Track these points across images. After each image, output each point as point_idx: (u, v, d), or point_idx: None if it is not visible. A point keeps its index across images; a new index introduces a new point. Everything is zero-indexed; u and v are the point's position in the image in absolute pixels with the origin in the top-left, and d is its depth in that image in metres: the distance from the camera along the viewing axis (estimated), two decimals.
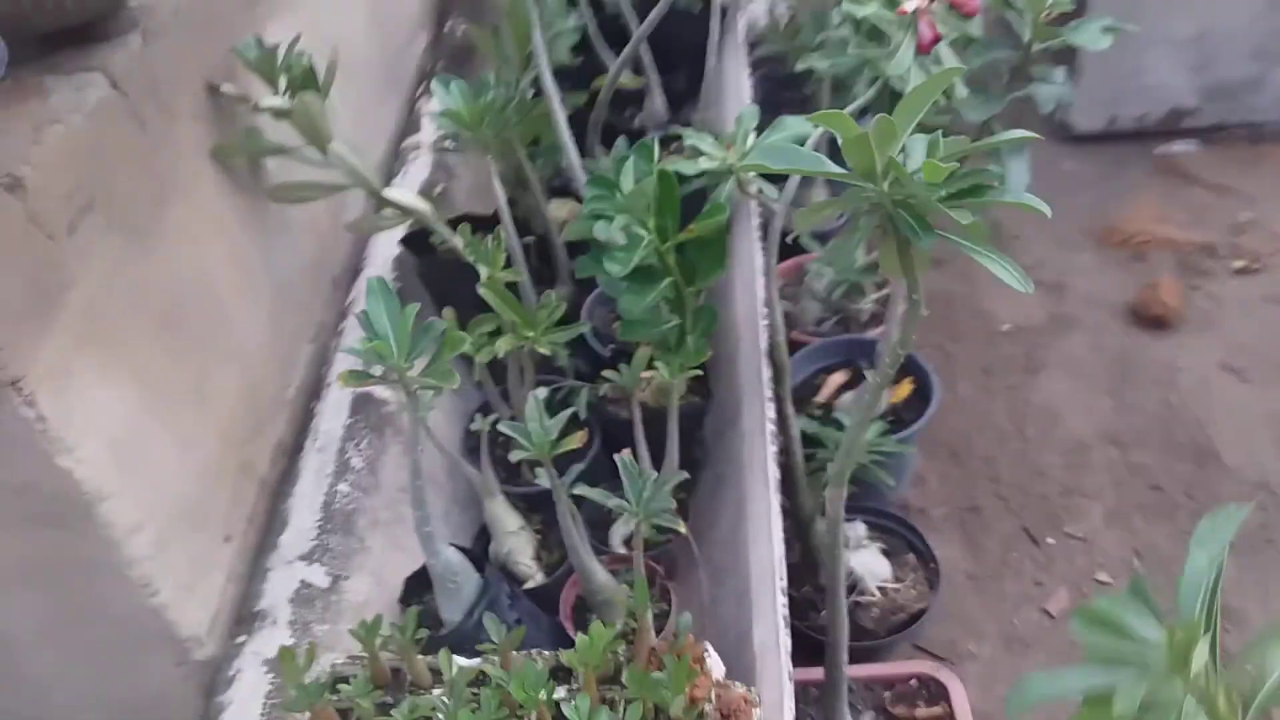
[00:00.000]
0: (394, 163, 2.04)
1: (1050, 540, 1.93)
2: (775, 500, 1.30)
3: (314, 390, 1.59)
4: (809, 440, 1.70)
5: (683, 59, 2.19)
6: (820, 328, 2.17)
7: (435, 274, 1.65)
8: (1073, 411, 2.17)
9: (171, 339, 1.28)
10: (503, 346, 1.28)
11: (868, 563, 1.75)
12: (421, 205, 1.57)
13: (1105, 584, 1.86)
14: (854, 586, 1.73)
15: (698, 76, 2.28)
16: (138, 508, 1.15)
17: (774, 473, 1.33)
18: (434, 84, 1.42)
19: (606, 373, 1.36)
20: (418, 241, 1.67)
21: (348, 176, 1.54)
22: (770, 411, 1.41)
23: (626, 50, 1.67)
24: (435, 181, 1.93)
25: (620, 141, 1.74)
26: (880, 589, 1.73)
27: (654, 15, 1.61)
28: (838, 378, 2.00)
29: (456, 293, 1.64)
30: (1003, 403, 2.19)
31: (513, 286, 1.43)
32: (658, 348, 1.36)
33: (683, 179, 1.33)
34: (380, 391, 1.56)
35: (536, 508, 1.52)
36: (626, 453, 1.05)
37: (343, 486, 1.41)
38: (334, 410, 1.53)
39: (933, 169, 0.98)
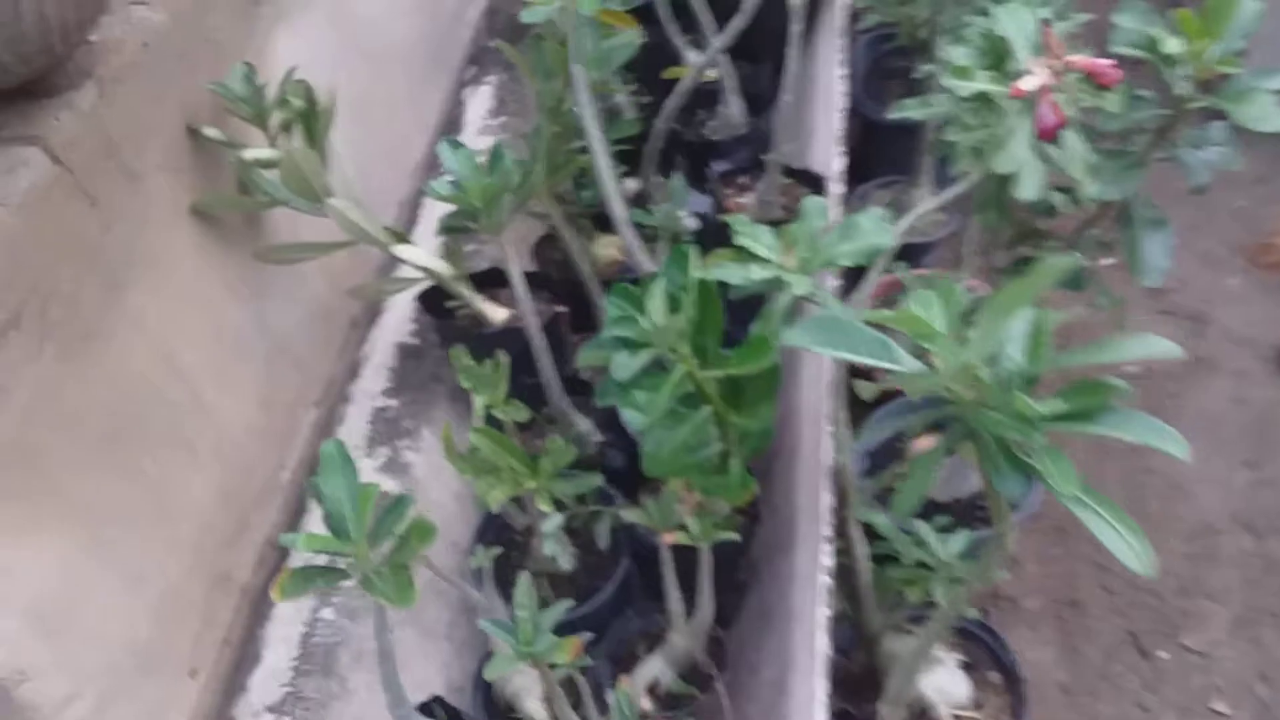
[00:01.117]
0: (431, 167, 1.84)
1: (1162, 653, 1.70)
2: (822, 684, 1.11)
3: (315, 465, 1.43)
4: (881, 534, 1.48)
5: (768, 48, 1.91)
6: None
7: (456, 336, 1.47)
8: (1202, 485, 1.90)
9: (121, 456, 1.13)
10: (497, 497, 1.09)
11: (943, 685, 1.54)
12: (438, 266, 1.38)
13: (1222, 716, 1.62)
14: (923, 713, 1.53)
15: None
16: (68, 677, 1.01)
17: (823, 647, 1.13)
18: (441, 147, 1.20)
19: (629, 512, 1.16)
20: (436, 299, 1.48)
21: (350, 232, 1.35)
22: (826, 558, 1.20)
23: (709, 52, 1.39)
24: None
25: (675, 180, 1.51)
26: (956, 718, 1.53)
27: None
28: (925, 443, 1.77)
29: (483, 355, 1.46)
30: (1119, 468, 1.93)
31: (530, 387, 1.24)
32: (694, 474, 1.16)
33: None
34: (382, 486, 1.39)
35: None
36: (625, 682, 0.86)
37: (326, 613, 1.25)
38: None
39: (1024, 406, 0.75)
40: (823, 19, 2.00)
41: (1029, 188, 1.08)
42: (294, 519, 1.37)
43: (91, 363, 1.10)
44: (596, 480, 1.18)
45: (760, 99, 1.90)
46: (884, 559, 1.40)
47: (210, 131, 1.27)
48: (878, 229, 1.09)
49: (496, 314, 1.44)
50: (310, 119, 1.30)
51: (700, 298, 1.09)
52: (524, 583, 0.97)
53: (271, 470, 1.38)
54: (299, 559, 1.25)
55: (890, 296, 1.96)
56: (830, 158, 1.69)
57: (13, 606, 0.96)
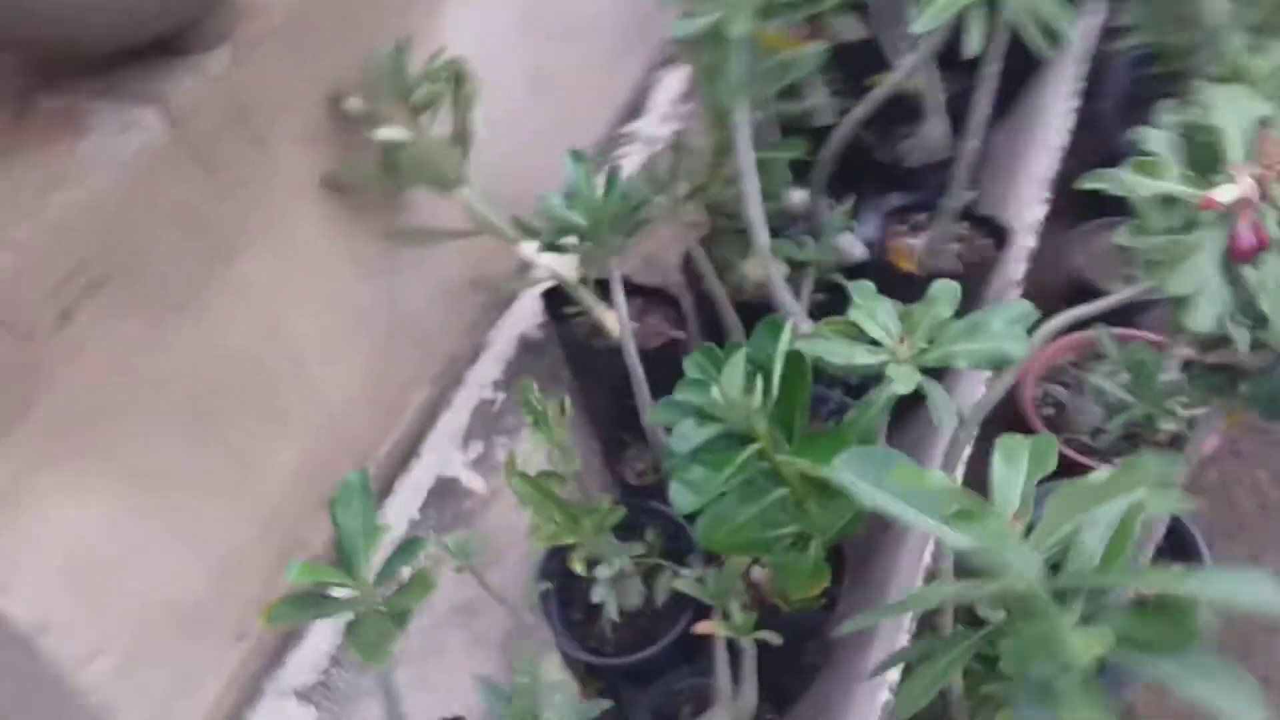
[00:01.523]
0: (607, 151, 1.78)
1: None
2: None
3: (416, 442, 1.43)
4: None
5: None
6: (1097, 440, 1.72)
7: (572, 342, 1.41)
8: None
9: (203, 424, 1.14)
10: (542, 543, 1.03)
11: None
12: (563, 270, 1.32)
13: None
14: None
15: (1011, 87, 1.80)
16: (97, 633, 1.04)
17: None
18: (565, 156, 1.13)
19: (682, 582, 1.07)
20: (558, 300, 1.42)
21: (478, 223, 1.31)
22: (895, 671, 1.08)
23: (907, 61, 1.24)
24: None
25: (836, 211, 1.38)
26: None
27: None
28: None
29: (594, 366, 1.40)
30: None
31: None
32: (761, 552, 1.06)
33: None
34: (467, 481, 1.36)
35: (603, 677, 1.29)
36: None
37: None
38: (416, 484, 1.36)
39: (1088, 646, 0.61)
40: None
41: (1205, 317, 0.90)
42: (381, 495, 1.37)
43: (184, 330, 1.12)
44: (638, 549, 1.10)
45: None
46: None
47: (352, 105, 1.25)
48: (1010, 335, 0.95)
49: (614, 324, 1.37)
50: (455, 101, 1.26)
51: (788, 374, 0.98)
52: (528, 659, 0.91)
53: (369, 445, 1.38)
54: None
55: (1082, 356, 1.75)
56: (1029, 204, 1.51)
57: (50, 560, 0.99)
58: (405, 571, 0.91)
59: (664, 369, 1.38)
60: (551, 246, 1.11)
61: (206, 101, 1.10)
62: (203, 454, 1.15)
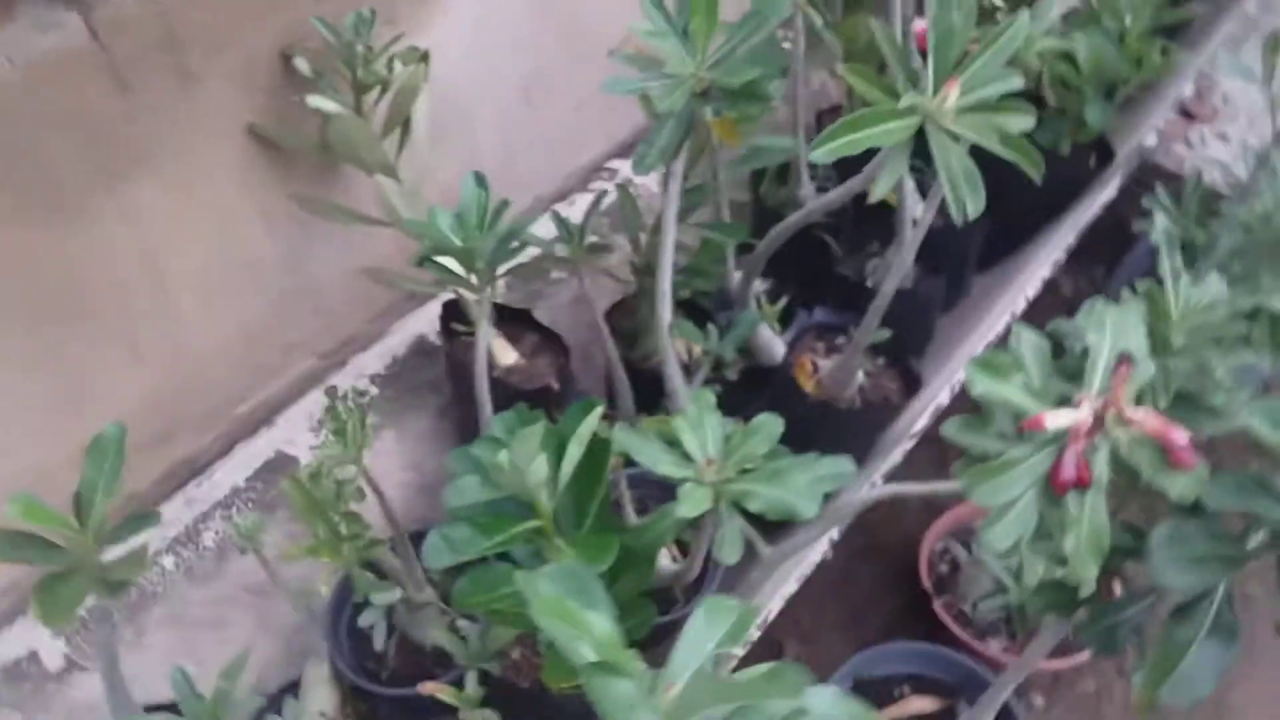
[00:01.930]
0: (585, 182, 1.75)
1: None
2: None
3: (276, 413, 1.41)
4: None
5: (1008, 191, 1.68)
6: (976, 612, 1.66)
7: (456, 359, 1.38)
8: None
9: (45, 332, 1.14)
10: (296, 554, 1.00)
11: None
12: (460, 281, 1.30)
13: None
14: None
15: (1014, 234, 1.76)
16: None
17: None
18: (466, 179, 1.11)
19: (444, 635, 1.03)
20: (457, 313, 1.40)
21: (387, 214, 1.29)
22: None
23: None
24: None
25: (748, 313, 1.35)
26: None
27: None
28: (918, 704, 1.52)
29: (472, 390, 1.37)
30: None
31: None
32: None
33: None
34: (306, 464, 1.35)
35: (368, 702, 1.25)
36: None
37: (167, 560, 1.23)
38: (255, 453, 1.34)
39: None
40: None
41: (1002, 537, 0.86)
42: (224, 450, 1.35)
43: (53, 236, 1.12)
44: (390, 595, 1.08)
45: (958, 255, 1.67)
46: None
47: (300, 64, 1.25)
48: (807, 493, 0.91)
49: (504, 356, 1.35)
50: (399, 89, 1.25)
51: (590, 459, 0.95)
52: (232, 665, 0.89)
53: (228, 399, 1.36)
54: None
55: None
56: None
57: None
58: (137, 540, 0.89)
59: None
60: (428, 261, 1.09)
61: (136, 22, 1.10)
62: (30, 361, 1.14)
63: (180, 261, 1.25)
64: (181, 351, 1.29)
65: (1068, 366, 1.02)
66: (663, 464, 0.95)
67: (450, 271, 1.09)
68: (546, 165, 1.70)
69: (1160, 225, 1.09)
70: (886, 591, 1.80)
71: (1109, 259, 2.14)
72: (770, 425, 0.96)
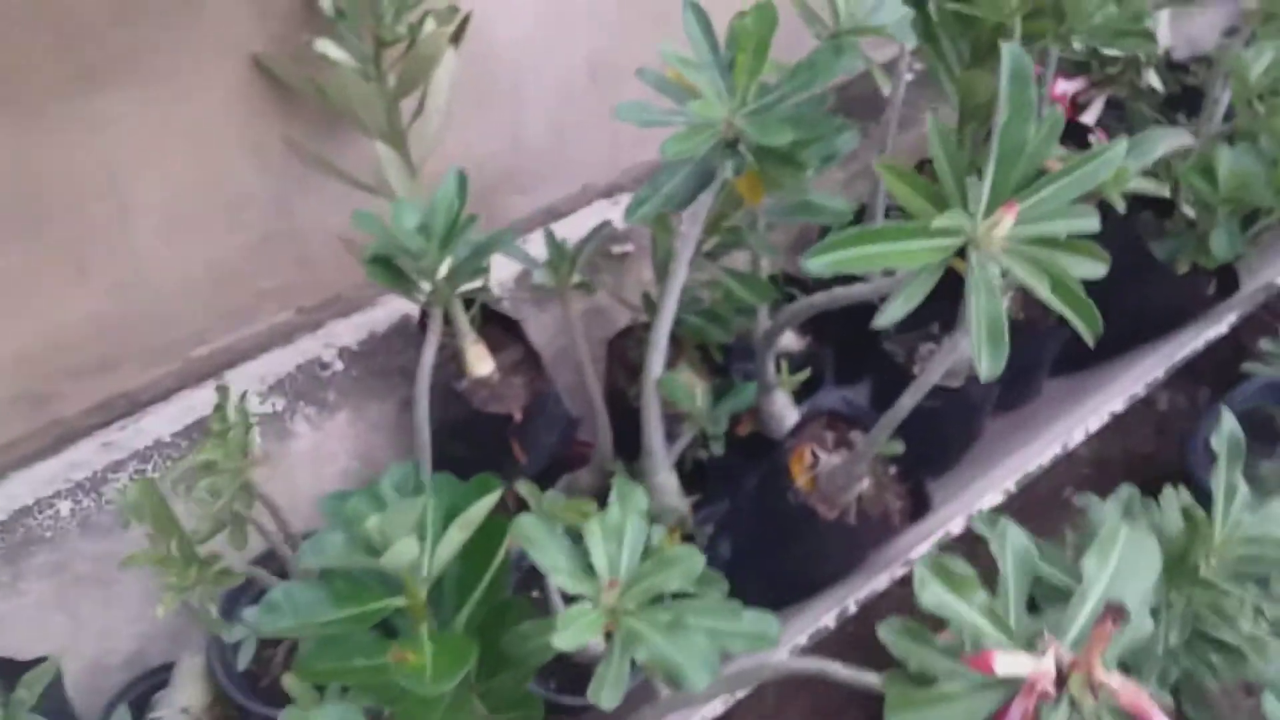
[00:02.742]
0: (627, 185, 1.61)
1: None
2: None
3: (239, 358, 1.32)
4: None
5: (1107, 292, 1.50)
6: None
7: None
8: None
9: None
10: (134, 564, 0.90)
11: None
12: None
13: None
14: None
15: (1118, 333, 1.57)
16: None
17: None
18: (450, 173, 0.99)
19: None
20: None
21: (377, 185, 1.18)
22: None
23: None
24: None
25: (743, 385, 1.21)
26: None
27: None
28: None
29: (434, 394, 1.27)
30: None
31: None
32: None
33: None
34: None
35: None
36: None
37: (64, 505, 1.16)
38: (191, 406, 1.26)
39: None
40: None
41: None
42: (167, 393, 1.27)
43: (11, 134, 1.03)
44: (239, 633, 0.98)
45: (1031, 354, 1.50)
46: None
47: (325, 2, 1.13)
48: (700, 661, 0.78)
49: (478, 366, 1.24)
50: (419, 51, 1.12)
51: (478, 545, 0.84)
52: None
53: (184, 338, 1.28)
54: None
55: None
56: (986, 492, 1.31)
57: None
58: None
59: (480, 436, 1.25)
60: (379, 260, 0.97)
61: None
62: None
63: (148, 185, 1.16)
64: (135, 280, 1.20)
65: (1058, 583, 0.87)
66: (560, 572, 0.83)
67: (399, 277, 0.97)
68: (602, 154, 1.57)
69: (1227, 430, 0.91)
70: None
71: (1216, 381, 1.93)
72: (688, 562, 0.82)
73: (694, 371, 1.38)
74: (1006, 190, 0.83)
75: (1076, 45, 1.25)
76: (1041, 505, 1.74)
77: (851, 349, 1.46)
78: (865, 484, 1.20)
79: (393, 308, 1.37)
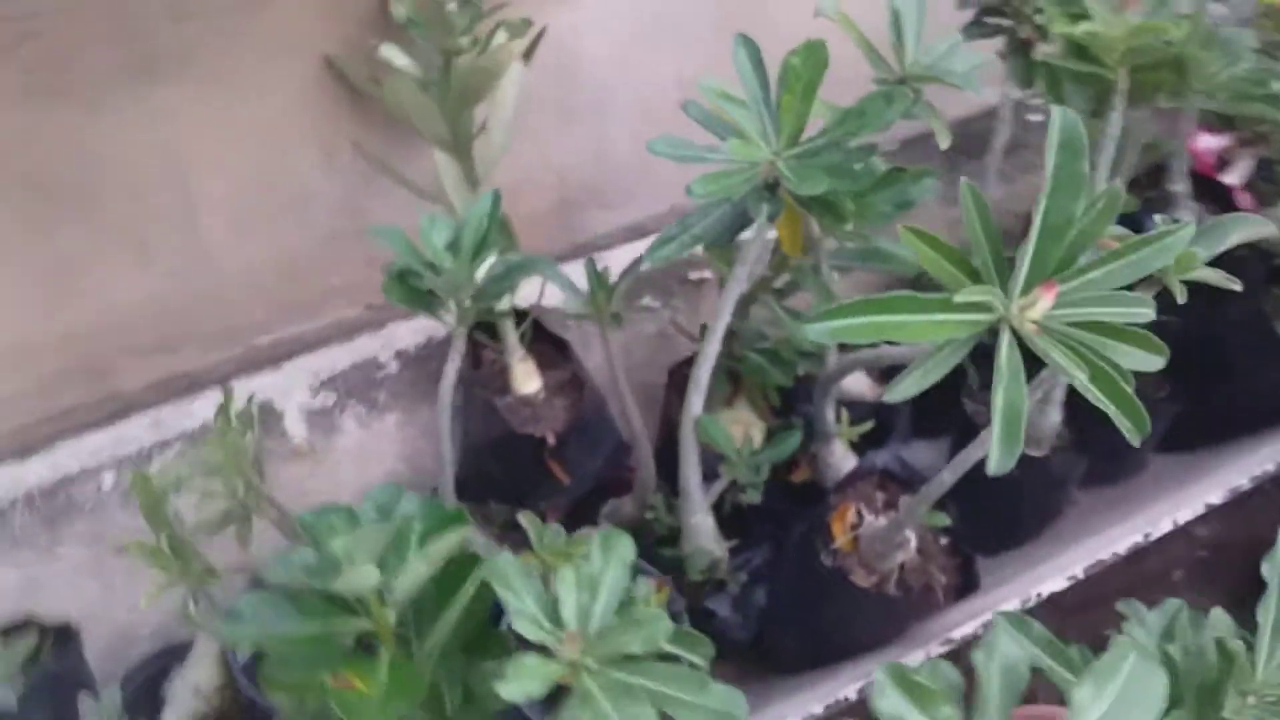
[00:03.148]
0: None
1: None
2: None
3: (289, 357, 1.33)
4: None
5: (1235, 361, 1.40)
6: None
7: (472, 373, 1.25)
8: None
9: (35, 214, 1.10)
10: (133, 554, 0.91)
11: None
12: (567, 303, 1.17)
13: None
14: None
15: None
16: None
17: None
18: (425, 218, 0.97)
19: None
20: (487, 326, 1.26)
21: (434, 191, 1.18)
22: None
23: None
24: None
25: (789, 431, 1.15)
26: None
27: None
28: None
29: (473, 409, 1.26)
30: None
31: None
32: None
33: None
34: (290, 422, 1.27)
35: None
36: None
37: (108, 477, 1.19)
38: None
39: None
40: None
41: None
42: (233, 373, 1.29)
43: (73, 125, 1.07)
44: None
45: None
46: None
47: (396, 6, 1.13)
48: None
49: (525, 383, 1.22)
50: (486, 62, 1.11)
51: (446, 580, 0.81)
52: None
53: (247, 326, 1.30)
54: None
55: None
56: (1048, 577, 1.22)
57: None
58: None
59: (516, 456, 1.22)
60: (393, 279, 0.96)
61: None
62: (22, 241, 1.11)
63: (213, 177, 1.19)
64: (199, 267, 1.23)
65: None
66: (522, 616, 0.80)
67: (420, 294, 0.95)
68: (690, 175, 1.52)
69: None
70: None
71: None
72: (654, 627, 0.78)
73: (754, 410, 1.33)
74: (1047, 268, 0.76)
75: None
76: (1119, 594, 1.63)
77: (933, 402, 1.38)
78: (910, 553, 1.12)
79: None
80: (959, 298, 0.73)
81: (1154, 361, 0.79)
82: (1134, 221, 1.53)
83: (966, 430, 1.35)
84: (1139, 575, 1.77)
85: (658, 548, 1.21)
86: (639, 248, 1.30)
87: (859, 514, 1.16)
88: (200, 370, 1.30)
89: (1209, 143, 1.63)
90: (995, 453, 0.74)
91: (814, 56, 0.87)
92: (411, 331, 1.36)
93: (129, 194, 1.15)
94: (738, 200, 0.90)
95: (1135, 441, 0.78)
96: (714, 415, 1.28)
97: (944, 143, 0.92)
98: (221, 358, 1.31)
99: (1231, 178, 1.62)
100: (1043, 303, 0.75)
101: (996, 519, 1.35)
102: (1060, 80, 1.12)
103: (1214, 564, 1.87)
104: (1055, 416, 1.28)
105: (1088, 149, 0.73)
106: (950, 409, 1.40)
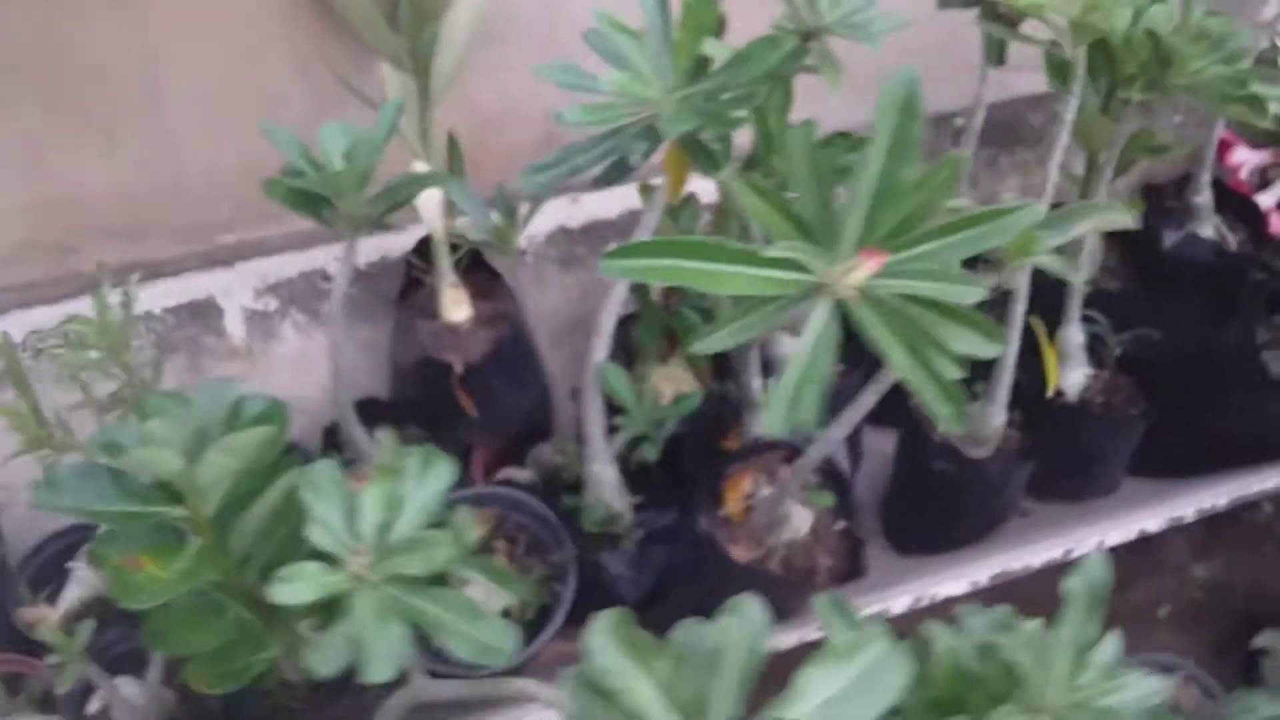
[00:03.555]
0: None
1: None
2: None
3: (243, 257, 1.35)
4: None
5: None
6: None
7: (402, 297, 1.25)
8: None
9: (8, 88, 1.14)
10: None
11: None
12: (428, 213, 1.17)
13: None
14: None
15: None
16: None
17: None
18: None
19: None
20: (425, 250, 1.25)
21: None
22: None
23: None
24: None
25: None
26: None
27: None
28: None
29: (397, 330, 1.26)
30: None
31: None
32: None
33: None
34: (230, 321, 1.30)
35: None
36: None
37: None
38: (190, 288, 1.30)
39: None
40: None
41: None
42: (196, 267, 1.32)
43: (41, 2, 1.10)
44: None
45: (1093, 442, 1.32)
46: None
47: None
48: (384, 651, 0.72)
49: (452, 310, 1.21)
50: None
51: (252, 479, 0.82)
52: None
53: (209, 221, 1.33)
54: None
55: None
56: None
57: None
58: None
59: (429, 382, 1.22)
60: (275, 184, 0.96)
61: None
62: None
63: (182, 70, 1.21)
64: (166, 159, 1.26)
65: None
66: (317, 523, 0.79)
67: (302, 195, 0.95)
68: None
69: (1089, 565, 0.75)
70: None
71: None
72: (436, 550, 0.77)
73: (692, 370, 1.30)
74: (875, 235, 0.71)
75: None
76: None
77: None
78: (798, 532, 1.09)
79: (415, 234, 1.37)
80: (769, 252, 0.69)
81: (989, 348, 0.73)
82: (1148, 230, 1.45)
83: (909, 424, 1.30)
84: (1122, 603, 1.69)
85: (565, 495, 1.20)
86: (624, 194, 1.28)
87: (755, 485, 1.13)
88: (166, 260, 1.33)
89: (1246, 157, 1.53)
90: (774, 413, 0.70)
91: None
92: (368, 249, 1.36)
93: (97, 78, 1.18)
94: (612, 136, 0.88)
95: (954, 429, 0.73)
96: (645, 370, 1.27)
97: (835, 90, 0.86)
98: (185, 251, 1.34)
99: (1267, 199, 1.52)
100: (863, 269, 0.70)
101: (932, 518, 1.31)
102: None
103: (1206, 606, 1.77)
104: (999, 417, 1.21)
105: (922, 112, 0.68)
106: (902, 399, 1.34)
